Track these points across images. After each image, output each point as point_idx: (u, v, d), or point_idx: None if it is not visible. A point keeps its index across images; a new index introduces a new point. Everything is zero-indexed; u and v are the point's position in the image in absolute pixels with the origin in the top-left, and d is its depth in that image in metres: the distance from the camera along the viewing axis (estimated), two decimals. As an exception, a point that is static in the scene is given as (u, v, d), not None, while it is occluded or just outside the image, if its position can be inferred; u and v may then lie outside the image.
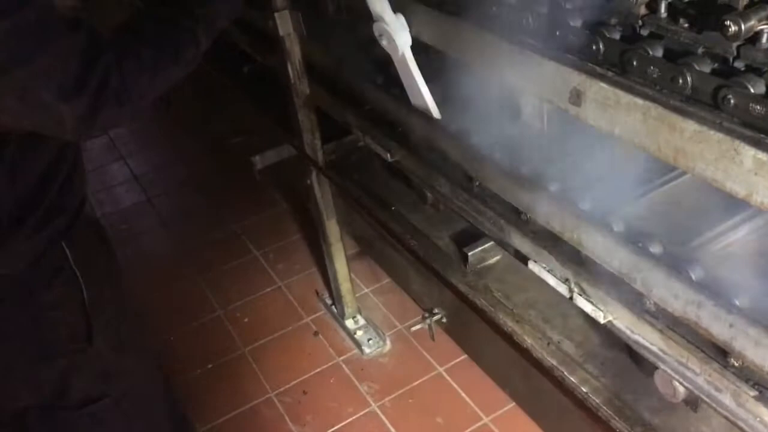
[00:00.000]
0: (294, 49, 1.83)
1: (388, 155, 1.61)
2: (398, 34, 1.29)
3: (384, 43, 1.32)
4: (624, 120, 0.93)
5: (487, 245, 1.60)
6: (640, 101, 0.89)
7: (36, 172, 1.12)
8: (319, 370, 2.31)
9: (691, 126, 0.84)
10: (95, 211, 1.34)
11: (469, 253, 1.60)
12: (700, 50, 0.86)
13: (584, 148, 1.21)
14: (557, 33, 1.01)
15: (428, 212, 1.79)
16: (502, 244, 1.38)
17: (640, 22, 0.92)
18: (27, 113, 0.97)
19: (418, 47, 1.34)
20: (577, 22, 1.00)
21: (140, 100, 1.03)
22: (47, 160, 1.13)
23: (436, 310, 1.80)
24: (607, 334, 1.23)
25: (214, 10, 1.13)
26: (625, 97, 0.91)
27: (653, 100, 0.88)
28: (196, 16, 1.10)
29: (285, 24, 1.78)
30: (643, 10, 0.91)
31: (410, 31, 1.31)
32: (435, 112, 1.39)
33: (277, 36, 1.81)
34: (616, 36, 0.95)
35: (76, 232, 1.20)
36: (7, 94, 0.94)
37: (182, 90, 3.59)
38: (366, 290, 2.58)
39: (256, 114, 2.51)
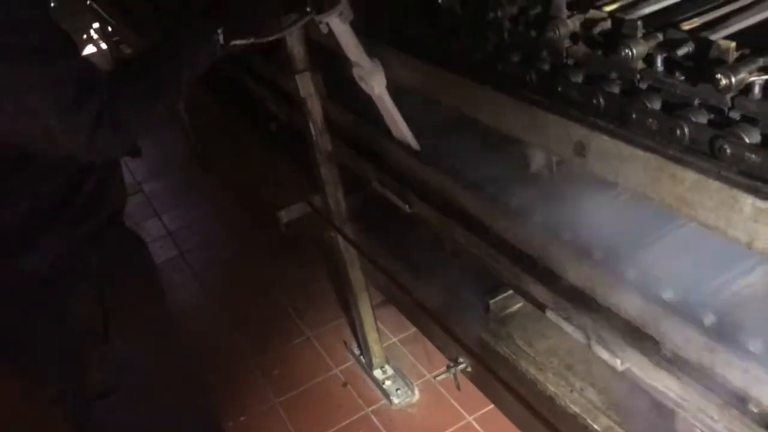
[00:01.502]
0: (315, 108, 1.90)
1: (407, 207, 1.65)
2: (374, 77, 1.41)
3: (362, 84, 1.43)
4: (627, 171, 0.95)
5: (508, 293, 1.62)
6: (640, 152, 0.92)
7: (66, 175, 1.25)
8: (348, 421, 2.31)
9: (690, 176, 0.86)
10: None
11: (491, 302, 1.61)
12: (696, 102, 0.88)
13: (594, 195, 1.24)
14: (559, 88, 1.05)
15: (449, 260, 1.81)
16: (520, 292, 1.39)
17: (638, 76, 0.95)
18: (20, 122, 1.08)
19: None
20: (578, 78, 1.04)
21: (132, 130, 1.15)
22: (76, 167, 1.26)
23: (460, 359, 1.80)
24: (630, 379, 1.23)
25: (194, 58, 1.25)
26: (627, 149, 0.94)
27: (653, 151, 0.91)
28: (180, 61, 1.23)
29: (306, 85, 1.86)
30: (640, 65, 0.94)
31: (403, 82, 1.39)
32: (414, 144, 1.51)
33: (298, 96, 1.89)
34: (616, 90, 0.98)
35: (106, 240, 1.33)
36: (4, 96, 1.05)
37: (215, 145, 3.73)
38: (393, 339, 2.59)
39: (283, 169, 2.59)
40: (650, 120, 0.92)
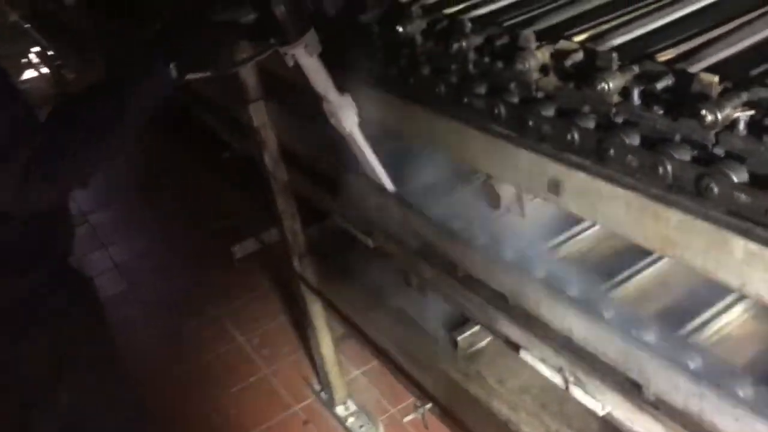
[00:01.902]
0: (269, 138, 1.83)
1: (370, 241, 1.58)
2: (345, 114, 1.32)
3: (332, 121, 1.34)
4: (606, 209, 0.90)
5: (476, 327, 1.55)
6: (621, 191, 0.87)
7: (8, 224, 1.16)
8: (310, 462, 2.21)
9: (675, 216, 0.82)
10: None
11: (459, 338, 1.55)
12: (678, 137, 0.84)
13: (565, 230, 1.19)
14: (530, 123, 1.00)
15: (414, 295, 1.74)
16: (492, 331, 1.33)
17: (614, 110, 0.91)
18: None
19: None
20: (549, 111, 0.99)
21: (67, 181, 1.08)
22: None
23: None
24: (608, 419, 1.18)
25: (141, 97, 1.13)
26: (606, 187, 0.89)
27: (634, 189, 0.86)
28: (123, 102, 1.11)
29: (259, 115, 1.78)
30: (616, 98, 0.90)
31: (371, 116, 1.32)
32: (388, 184, 1.41)
33: (252, 125, 1.81)
34: (591, 124, 0.94)
35: (54, 284, 1.26)
36: None
37: (165, 173, 3.60)
38: (356, 372, 2.51)
39: (235, 198, 2.50)
40: (630, 156, 0.87)
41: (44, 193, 1.05)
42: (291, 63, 1.22)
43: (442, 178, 1.35)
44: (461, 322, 1.58)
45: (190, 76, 1.17)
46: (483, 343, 1.56)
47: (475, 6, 1.16)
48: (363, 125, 1.35)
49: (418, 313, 1.68)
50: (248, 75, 1.75)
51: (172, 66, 1.13)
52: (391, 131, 1.34)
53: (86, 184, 1.36)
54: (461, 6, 1.17)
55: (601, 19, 1.03)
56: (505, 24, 1.07)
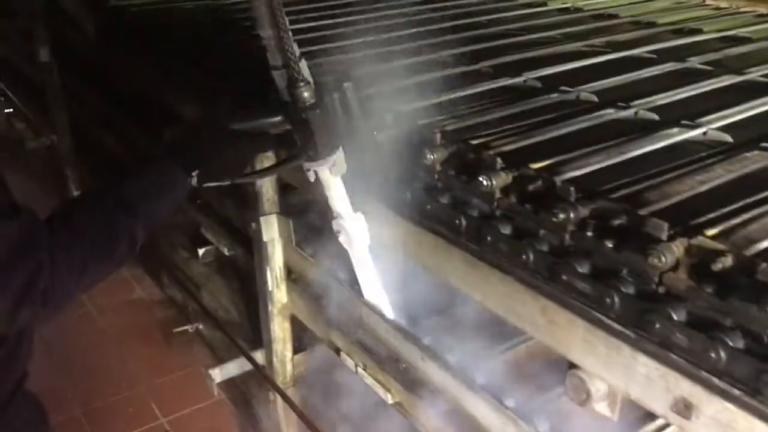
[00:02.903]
0: (276, 255, 1.66)
1: (389, 396, 1.34)
2: (357, 234, 1.26)
3: (342, 239, 1.28)
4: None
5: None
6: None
7: None
8: None
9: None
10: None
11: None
12: (625, 272, 0.90)
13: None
14: (489, 238, 1.05)
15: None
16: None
17: (567, 236, 0.96)
18: None
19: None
20: (506, 229, 1.04)
21: (65, 301, 0.94)
22: None
23: None
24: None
25: (155, 206, 1.04)
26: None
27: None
28: (136, 212, 1.00)
29: (270, 229, 1.63)
30: (571, 227, 0.96)
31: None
32: (388, 311, 1.33)
33: (258, 238, 1.66)
34: (545, 248, 0.99)
35: (8, 414, 1.08)
36: None
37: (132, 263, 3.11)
38: None
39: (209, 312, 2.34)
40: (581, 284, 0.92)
41: (40, 313, 0.91)
42: (313, 179, 1.16)
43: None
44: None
45: (208, 185, 1.09)
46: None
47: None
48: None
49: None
50: (266, 186, 1.61)
51: (194, 174, 1.05)
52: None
53: None
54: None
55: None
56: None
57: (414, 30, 1.93)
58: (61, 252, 0.92)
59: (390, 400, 1.33)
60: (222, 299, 2.26)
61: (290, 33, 1.02)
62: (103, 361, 2.77)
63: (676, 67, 1.60)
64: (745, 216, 0.91)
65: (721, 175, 1.06)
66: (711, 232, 0.86)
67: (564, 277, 0.94)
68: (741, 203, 0.95)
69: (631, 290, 0.87)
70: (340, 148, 1.13)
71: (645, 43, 1.78)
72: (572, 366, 0.97)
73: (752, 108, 1.32)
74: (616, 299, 0.87)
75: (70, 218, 0.96)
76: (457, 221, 1.10)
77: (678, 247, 0.83)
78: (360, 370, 1.39)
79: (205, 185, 1.07)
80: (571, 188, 0.96)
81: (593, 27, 2.05)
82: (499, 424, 1.07)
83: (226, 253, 2.06)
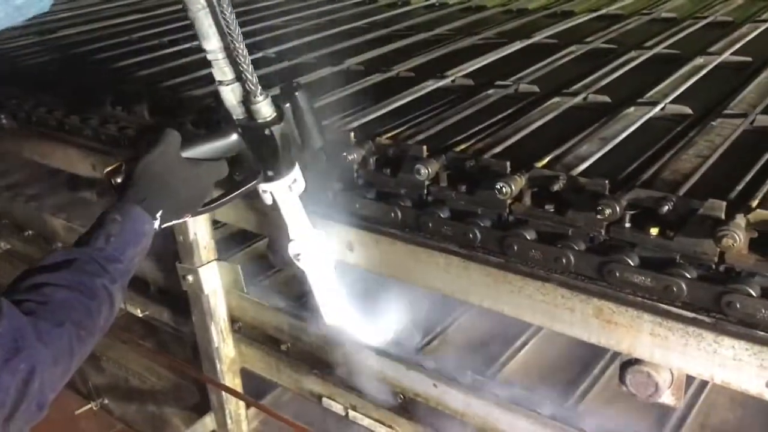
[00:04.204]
0: (219, 306, 1.49)
1: None
2: (319, 253, 1.16)
3: (301, 263, 1.16)
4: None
5: None
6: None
7: None
8: None
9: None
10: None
11: None
12: (570, 231, 0.94)
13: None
14: (430, 224, 1.05)
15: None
16: None
17: (507, 210, 0.99)
18: None
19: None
20: (445, 213, 1.07)
21: (52, 396, 0.81)
22: None
23: None
24: None
25: (128, 262, 0.92)
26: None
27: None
28: (112, 274, 0.89)
29: (212, 279, 1.46)
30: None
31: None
32: (361, 334, 1.25)
33: (196, 291, 1.48)
34: (488, 223, 1.02)
35: None
36: None
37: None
38: None
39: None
40: (533, 251, 0.95)
41: (34, 416, 0.78)
42: (269, 201, 1.07)
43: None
44: None
45: (168, 224, 0.99)
46: None
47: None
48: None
49: None
50: (200, 231, 1.42)
51: (158, 216, 0.95)
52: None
53: None
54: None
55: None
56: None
57: (298, 41, 1.87)
58: (47, 344, 0.79)
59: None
60: (132, 366, 2.02)
61: (243, 43, 0.92)
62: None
63: (581, 49, 1.67)
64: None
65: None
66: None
67: (617, 274, 0.90)
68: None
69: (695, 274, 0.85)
70: (297, 164, 1.05)
71: (535, 30, 1.82)
72: (627, 363, 0.93)
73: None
74: (683, 286, 0.85)
75: (46, 298, 0.83)
76: (471, 234, 1.04)
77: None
78: (351, 412, 1.28)
79: (164, 225, 0.97)
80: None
81: (473, 20, 2.06)
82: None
83: (139, 315, 1.78)
